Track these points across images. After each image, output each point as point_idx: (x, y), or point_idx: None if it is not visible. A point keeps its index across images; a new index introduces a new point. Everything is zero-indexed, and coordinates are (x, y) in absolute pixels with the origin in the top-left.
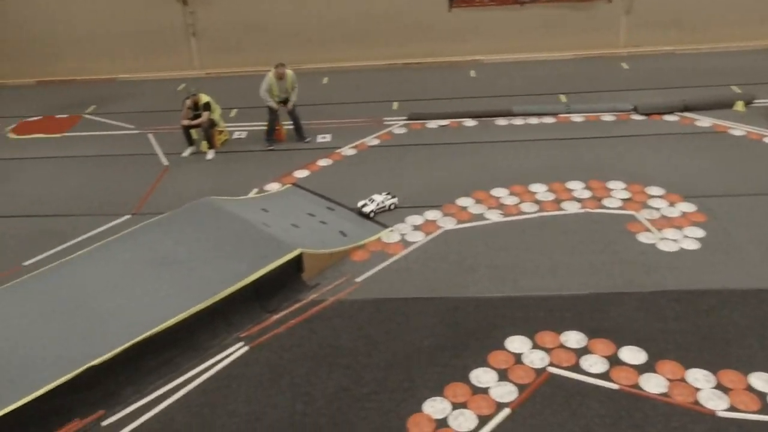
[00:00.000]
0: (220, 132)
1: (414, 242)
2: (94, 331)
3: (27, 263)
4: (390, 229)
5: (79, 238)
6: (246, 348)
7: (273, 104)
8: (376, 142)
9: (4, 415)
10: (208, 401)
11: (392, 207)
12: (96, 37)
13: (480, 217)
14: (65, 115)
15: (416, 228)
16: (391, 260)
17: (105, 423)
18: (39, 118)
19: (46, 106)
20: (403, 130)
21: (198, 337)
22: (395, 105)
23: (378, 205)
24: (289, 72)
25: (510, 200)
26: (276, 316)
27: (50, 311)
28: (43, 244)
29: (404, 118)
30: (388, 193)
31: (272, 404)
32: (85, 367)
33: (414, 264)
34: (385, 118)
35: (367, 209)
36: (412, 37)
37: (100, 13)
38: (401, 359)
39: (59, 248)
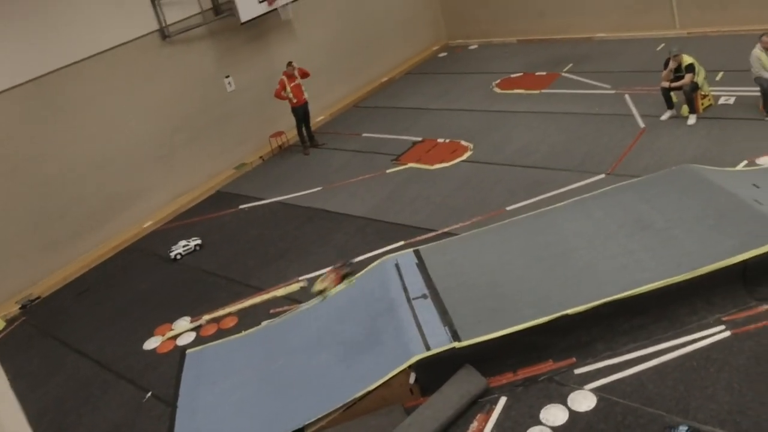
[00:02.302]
0: (704, 96)
1: None
2: (569, 282)
3: (510, 208)
4: None
5: (556, 191)
6: (728, 333)
7: None
8: None
9: (489, 340)
10: (684, 378)
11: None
12: None
13: None
14: (544, 73)
15: None
16: None
17: (577, 371)
18: (520, 74)
19: (527, 64)
20: None
21: (673, 310)
22: None
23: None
24: None
25: None
26: (767, 306)
27: (531, 255)
28: (524, 192)
29: None
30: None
31: (760, 401)
32: (560, 313)
33: None
34: None
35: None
36: None
37: None
38: None
39: (538, 198)
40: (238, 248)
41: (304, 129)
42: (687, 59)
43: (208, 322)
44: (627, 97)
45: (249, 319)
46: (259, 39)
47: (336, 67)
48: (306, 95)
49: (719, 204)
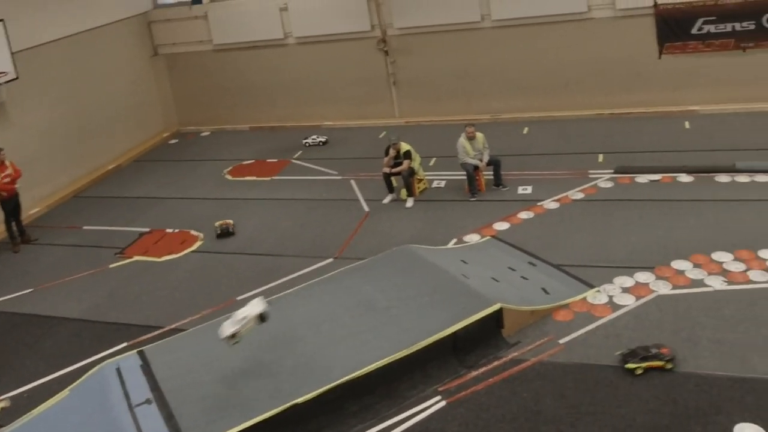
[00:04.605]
0: (420, 180)
1: (624, 306)
2: (299, 369)
3: (240, 298)
4: (596, 289)
5: (287, 278)
6: (443, 403)
7: (474, 162)
8: (580, 195)
9: None
10: None
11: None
12: (304, 86)
13: (699, 283)
14: (275, 160)
15: (625, 290)
16: (597, 323)
17: None
18: (252, 161)
19: (258, 150)
20: (609, 184)
21: (396, 386)
22: (601, 157)
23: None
24: (478, 133)
25: (735, 266)
26: (474, 373)
27: (261, 345)
28: (254, 280)
29: (611, 171)
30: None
31: None
32: (291, 403)
33: (624, 330)
34: (590, 171)
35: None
36: (620, 85)
37: (308, 63)
38: None
39: (269, 286)
40: None
41: (13, 223)
42: (405, 146)
43: None
44: (353, 182)
45: None
46: None
47: (56, 154)
48: (17, 186)
49: (433, 281)
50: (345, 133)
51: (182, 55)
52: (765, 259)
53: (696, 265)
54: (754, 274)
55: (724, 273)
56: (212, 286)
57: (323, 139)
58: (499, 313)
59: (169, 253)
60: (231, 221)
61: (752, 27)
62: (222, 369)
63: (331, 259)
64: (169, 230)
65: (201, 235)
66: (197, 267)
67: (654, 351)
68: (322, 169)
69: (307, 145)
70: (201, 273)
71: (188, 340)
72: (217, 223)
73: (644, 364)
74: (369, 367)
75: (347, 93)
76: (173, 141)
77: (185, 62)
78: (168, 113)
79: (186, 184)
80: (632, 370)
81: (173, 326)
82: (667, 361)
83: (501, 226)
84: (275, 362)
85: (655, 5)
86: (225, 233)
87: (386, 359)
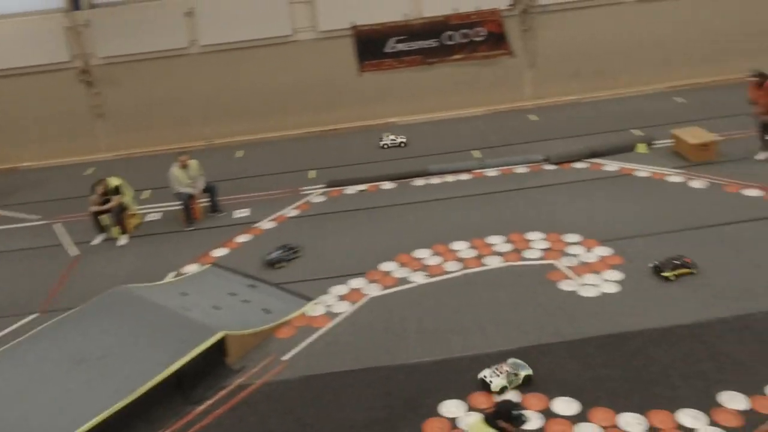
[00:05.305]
0: (132, 215)
1: (340, 313)
2: None
3: None
4: (315, 301)
5: None
6: None
7: (189, 190)
8: (294, 213)
9: None
10: None
11: None
12: None
13: (405, 280)
14: None
15: (341, 298)
16: (317, 334)
17: None
18: None
19: None
20: (321, 199)
21: None
22: (312, 173)
23: None
24: (191, 161)
25: (433, 261)
26: (201, 407)
27: None
28: None
29: (322, 186)
30: None
31: None
32: None
33: (342, 336)
34: (303, 188)
35: None
36: (325, 104)
37: None
38: None
39: None
40: None
41: None
42: (114, 182)
43: None
44: (58, 226)
45: None
46: None
47: None
48: None
49: (151, 320)
50: (47, 173)
51: None
52: (457, 251)
53: (402, 265)
54: (449, 265)
55: (425, 268)
56: None
57: (404, 139)
58: (222, 341)
59: None
60: None
61: (435, 44)
62: None
63: (35, 315)
64: None
65: None
66: None
67: (680, 261)
68: (21, 215)
69: (386, 147)
70: None
71: None
72: None
73: (677, 272)
74: (82, 428)
75: (45, 130)
76: None
77: None
78: None
79: None
80: (667, 278)
81: None
82: (691, 268)
83: (220, 252)
84: None
85: (354, 26)
86: None
87: (101, 415)
